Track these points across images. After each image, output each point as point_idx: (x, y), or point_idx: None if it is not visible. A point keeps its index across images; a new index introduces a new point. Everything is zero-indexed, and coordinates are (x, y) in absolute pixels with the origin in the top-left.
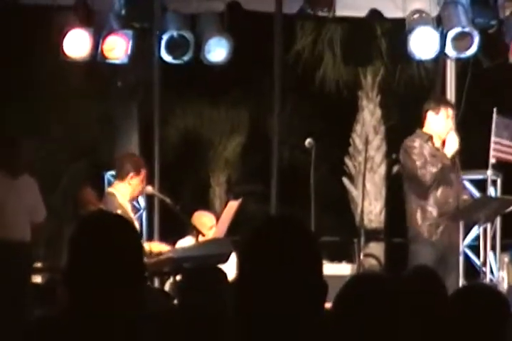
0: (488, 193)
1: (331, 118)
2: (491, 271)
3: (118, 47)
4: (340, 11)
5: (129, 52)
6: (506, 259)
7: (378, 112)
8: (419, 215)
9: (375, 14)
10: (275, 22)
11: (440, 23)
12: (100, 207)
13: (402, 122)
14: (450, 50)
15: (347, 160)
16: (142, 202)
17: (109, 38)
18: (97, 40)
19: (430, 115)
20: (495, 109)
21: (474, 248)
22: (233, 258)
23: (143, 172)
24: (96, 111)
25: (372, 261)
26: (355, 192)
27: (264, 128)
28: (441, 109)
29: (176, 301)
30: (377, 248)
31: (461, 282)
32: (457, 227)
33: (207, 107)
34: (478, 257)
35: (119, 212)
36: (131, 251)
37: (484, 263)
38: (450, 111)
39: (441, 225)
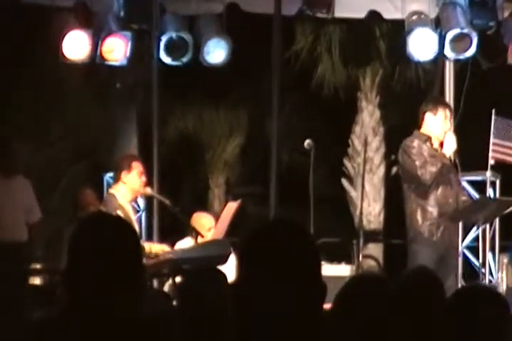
0: (487, 194)
1: (329, 120)
2: (490, 272)
3: (117, 49)
4: (339, 13)
5: (127, 53)
6: (505, 260)
7: (377, 113)
8: (419, 215)
9: (373, 15)
10: (274, 23)
11: (439, 25)
12: (100, 209)
13: (401, 123)
14: (449, 52)
15: (346, 162)
16: (141, 203)
17: (108, 39)
18: (96, 41)
19: (428, 116)
20: (494, 110)
21: (473, 249)
22: (232, 259)
23: (135, 166)
24: (95, 113)
25: (371, 262)
26: (354, 194)
27: (263, 130)
28: (439, 110)
29: (175, 302)
30: (376, 249)
31: (460, 283)
32: (457, 228)
33: (206, 109)
34: (477, 258)
35: (118, 213)
36: (130, 253)
37: (483, 265)
38: (448, 112)
39: (441, 225)
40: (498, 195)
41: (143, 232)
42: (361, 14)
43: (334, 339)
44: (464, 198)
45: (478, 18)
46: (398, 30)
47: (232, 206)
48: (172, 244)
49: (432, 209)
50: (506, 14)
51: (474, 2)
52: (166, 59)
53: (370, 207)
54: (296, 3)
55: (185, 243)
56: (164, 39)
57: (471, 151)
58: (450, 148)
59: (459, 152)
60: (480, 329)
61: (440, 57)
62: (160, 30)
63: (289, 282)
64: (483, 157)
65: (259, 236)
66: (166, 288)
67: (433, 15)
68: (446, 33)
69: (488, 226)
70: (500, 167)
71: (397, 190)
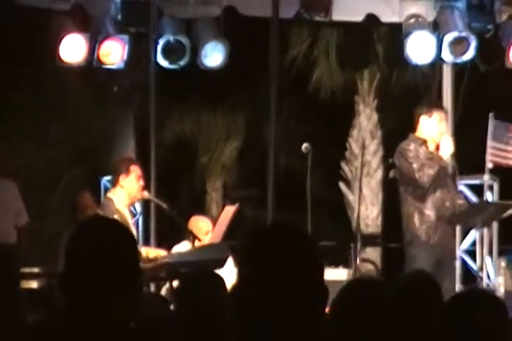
0: (485, 198)
1: (327, 123)
2: (488, 276)
3: (114, 52)
4: (337, 16)
5: (125, 57)
6: (503, 264)
7: (375, 117)
8: (416, 218)
9: (371, 19)
10: (271, 27)
11: (437, 28)
12: (97, 212)
13: (399, 127)
14: (447, 55)
15: (343, 165)
16: (138, 207)
17: (105, 42)
18: (93, 45)
19: (423, 119)
20: (491, 114)
21: (471, 253)
22: (230, 263)
23: (133, 169)
24: (92, 116)
25: (369, 266)
26: (351, 197)
27: (261, 133)
28: (433, 113)
29: (172, 306)
30: (373, 253)
31: (458, 287)
32: (454, 231)
33: (203, 112)
34: (475, 262)
35: (115, 216)
36: (127, 256)
37: (481, 268)
38: (442, 115)
39: (438, 228)
40: (496, 198)
41: (140, 236)
42: (359, 17)
43: None
44: (460, 201)
45: (476, 21)
46: (396, 33)
47: (229, 210)
48: (169, 248)
49: (430, 213)
50: (504, 17)
51: (472, 5)
52: (164, 62)
53: (367, 211)
54: (293, 6)
55: (183, 246)
56: (161, 42)
57: (469, 154)
58: (447, 150)
59: (456, 155)
60: (478, 333)
61: (438, 60)
62: (157, 34)
63: (288, 286)
64: (481, 160)
65: (259, 240)
66: (163, 291)
67: (431, 18)
68: (444, 36)
69: (486, 230)
70: (498, 170)
71: (395, 193)
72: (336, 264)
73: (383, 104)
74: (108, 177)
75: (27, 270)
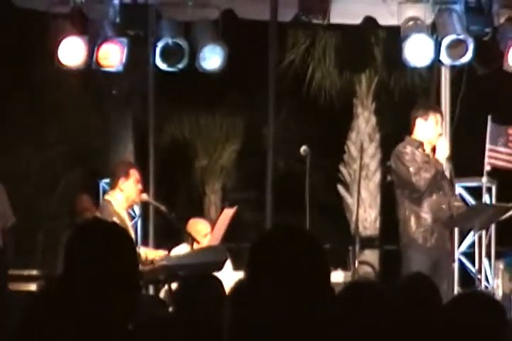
0: (483, 200)
1: (325, 126)
2: (486, 279)
3: (113, 55)
4: (335, 19)
5: (123, 60)
6: (501, 266)
7: (373, 120)
8: (413, 221)
9: (369, 22)
10: (270, 30)
11: (435, 31)
12: (96, 215)
13: (397, 130)
14: (445, 58)
15: (342, 168)
16: (137, 209)
17: (104, 45)
18: (92, 47)
19: (419, 122)
20: (490, 116)
21: (469, 255)
22: (228, 265)
23: (132, 173)
24: (91, 119)
25: (367, 269)
26: (350, 200)
27: (260, 136)
28: (429, 115)
29: (170, 309)
30: (372, 255)
31: (456, 289)
32: (451, 233)
33: (202, 115)
34: (473, 264)
35: (114, 219)
36: (126, 259)
37: (479, 271)
38: (439, 117)
39: (435, 231)
40: (494, 201)
41: (139, 239)
42: (357, 20)
43: None
44: (457, 203)
45: (474, 24)
46: (394, 36)
47: (228, 212)
48: (168, 251)
49: (426, 216)
50: (502, 20)
51: (470, 8)
52: (162, 65)
53: (366, 214)
54: (291, 9)
55: (181, 249)
56: (160, 45)
57: (467, 157)
58: (443, 153)
59: (453, 158)
60: (477, 336)
61: (436, 63)
62: (156, 37)
63: (293, 287)
64: (479, 163)
65: (266, 242)
66: (162, 294)
67: (429, 21)
68: (442, 39)
69: (484, 232)
70: (496, 173)
71: (393, 196)
72: (334, 267)
73: (381, 106)
74: (106, 180)
75: (26, 272)
